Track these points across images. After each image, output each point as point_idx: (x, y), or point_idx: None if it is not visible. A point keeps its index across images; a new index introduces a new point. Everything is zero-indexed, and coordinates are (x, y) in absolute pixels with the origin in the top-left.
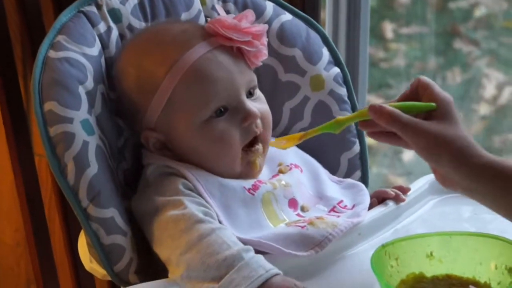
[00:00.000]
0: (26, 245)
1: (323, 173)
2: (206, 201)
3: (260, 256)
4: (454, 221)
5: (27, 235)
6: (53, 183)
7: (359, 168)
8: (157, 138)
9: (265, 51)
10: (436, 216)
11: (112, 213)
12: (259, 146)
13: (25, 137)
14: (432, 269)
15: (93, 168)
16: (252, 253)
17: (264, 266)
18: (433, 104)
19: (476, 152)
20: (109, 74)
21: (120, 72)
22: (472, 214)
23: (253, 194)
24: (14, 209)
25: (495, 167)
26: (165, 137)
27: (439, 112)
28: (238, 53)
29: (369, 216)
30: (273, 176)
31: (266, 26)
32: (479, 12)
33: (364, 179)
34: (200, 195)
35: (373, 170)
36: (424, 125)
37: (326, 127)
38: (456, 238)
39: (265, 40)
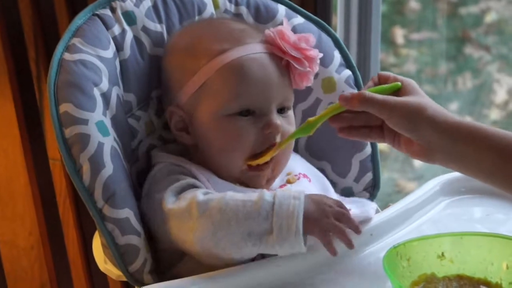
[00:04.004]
0: (40, 248)
1: (330, 185)
2: None
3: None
4: (465, 222)
5: (42, 238)
6: (68, 187)
7: (370, 170)
8: (181, 117)
9: (310, 76)
10: (448, 217)
11: (127, 213)
12: (266, 172)
13: (40, 140)
14: (443, 270)
15: (108, 168)
16: (267, 192)
17: (288, 196)
18: (398, 83)
19: (449, 114)
20: (123, 76)
21: (170, 48)
22: (483, 215)
23: None
24: (28, 213)
25: (471, 125)
26: (189, 119)
27: (405, 89)
28: (285, 68)
29: (380, 217)
30: (281, 186)
31: (321, 54)
32: (490, 17)
33: (375, 181)
34: None
35: (384, 175)
36: (398, 98)
37: (299, 132)
38: (468, 238)
39: (315, 67)
